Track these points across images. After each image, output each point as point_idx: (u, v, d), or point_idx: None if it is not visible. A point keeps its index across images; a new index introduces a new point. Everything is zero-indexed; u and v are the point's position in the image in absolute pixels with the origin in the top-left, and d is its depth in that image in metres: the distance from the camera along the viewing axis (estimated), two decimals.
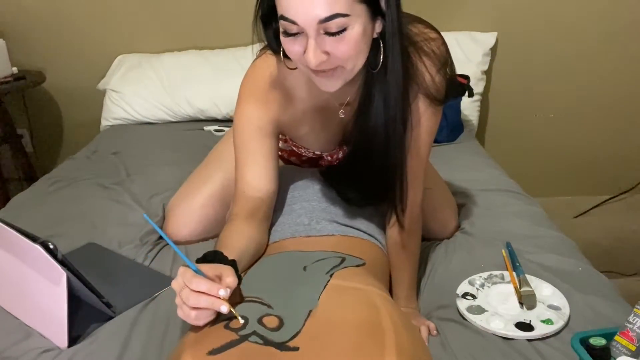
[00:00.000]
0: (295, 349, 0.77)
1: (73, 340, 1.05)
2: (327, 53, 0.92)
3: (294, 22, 0.89)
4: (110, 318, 1.11)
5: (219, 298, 0.80)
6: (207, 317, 0.82)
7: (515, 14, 2.32)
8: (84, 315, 1.11)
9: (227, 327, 0.81)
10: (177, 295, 0.82)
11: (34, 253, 1.01)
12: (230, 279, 0.83)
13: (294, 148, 1.30)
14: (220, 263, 0.88)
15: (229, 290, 0.81)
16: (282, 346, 0.78)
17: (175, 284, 0.83)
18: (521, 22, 2.33)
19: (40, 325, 1.08)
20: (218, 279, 0.83)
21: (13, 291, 1.14)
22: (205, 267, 0.84)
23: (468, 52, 2.25)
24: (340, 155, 1.27)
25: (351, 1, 0.88)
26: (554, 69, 2.40)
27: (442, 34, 1.11)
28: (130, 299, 1.17)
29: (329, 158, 1.30)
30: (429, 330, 1.07)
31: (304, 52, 0.92)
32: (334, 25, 0.89)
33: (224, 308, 0.80)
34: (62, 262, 1.01)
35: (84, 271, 1.06)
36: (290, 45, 0.93)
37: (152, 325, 1.10)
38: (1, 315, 1.14)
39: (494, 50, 2.33)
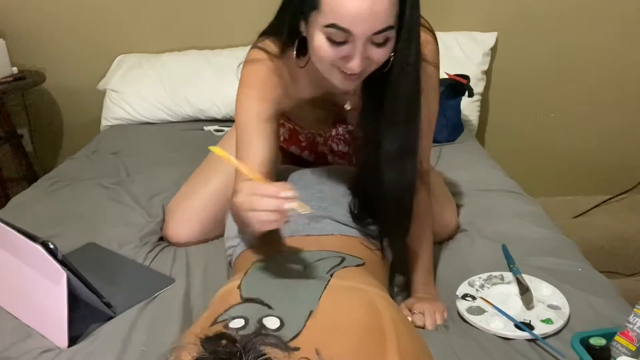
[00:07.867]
0: (296, 349, 0.77)
1: (73, 340, 1.05)
2: (366, 59, 0.96)
3: (347, 31, 0.92)
4: (110, 318, 1.11)
5: (285, 199, 0.87)
6: (275, 221, 0.89)
7: (515, 14, 2.32)
8: (84, 315, 1.11)
9: (227, 327, 0.81)
10: (243, 210, 0.90)
11: (34, 253, 1.01)
12: (289, 187, 0.89)
13: (289, 124, 1.35)
14: None
15: (291, 193, 0.88)
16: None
17: (240, 197, 0.92)
18: (521, 22, 2.33)
19: (40, 325, 1.08)
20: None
21: (13, 291, 1.14)
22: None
23: (468, 52, 2.25)
24: (334, 133, 1.32)
25: (395, 14, 0.94)
26: (554, 68, 2.39)
27: (443, 34, 1.13)
28: (130, 299, 1.17)
29: (322, 138, 1.35)
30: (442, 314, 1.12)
31: (343, 57, 0.96)
32: (382, 37, 0.94)
33: (291, 205, 0.87)
34: (62, 262, 1.01)
35: (84, 271, 1.06)
36: (331, 52, 0.96)
37: (152, 325, 1.10)
38: (1, 315, 1.14)
39: (494, 50, 2.33)
